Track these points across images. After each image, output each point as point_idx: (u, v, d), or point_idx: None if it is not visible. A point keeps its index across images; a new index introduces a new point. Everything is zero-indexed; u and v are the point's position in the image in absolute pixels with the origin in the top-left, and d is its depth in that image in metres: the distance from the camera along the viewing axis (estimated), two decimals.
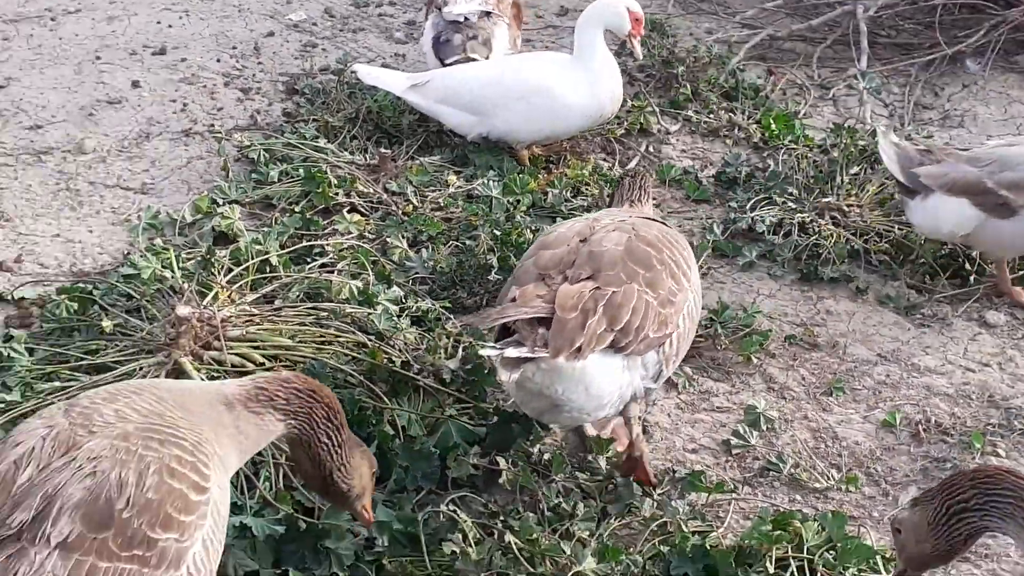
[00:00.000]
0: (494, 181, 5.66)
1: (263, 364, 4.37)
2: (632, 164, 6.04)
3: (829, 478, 4.19)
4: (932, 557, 3.14)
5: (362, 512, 3.48)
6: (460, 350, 4.52)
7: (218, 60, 6.90)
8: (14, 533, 2.76)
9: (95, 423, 2.91)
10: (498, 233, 5.15)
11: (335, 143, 5.97)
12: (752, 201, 5.66)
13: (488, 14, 6.26)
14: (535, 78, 5.80)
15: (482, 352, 3.53)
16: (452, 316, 4.79)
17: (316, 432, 3.24)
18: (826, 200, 5.63)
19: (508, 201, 5.53)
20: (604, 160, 6.06)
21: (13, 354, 4.40)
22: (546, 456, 4.11)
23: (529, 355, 3.52)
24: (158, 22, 7.20)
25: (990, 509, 2.93)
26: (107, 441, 2.85)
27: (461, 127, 5.95)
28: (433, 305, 4.81)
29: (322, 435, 3.25)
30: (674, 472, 4.15)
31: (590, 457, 4.14)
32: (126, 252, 5.16)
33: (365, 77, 6.08)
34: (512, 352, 3.51)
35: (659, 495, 4.02)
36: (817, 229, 5.43)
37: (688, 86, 6.66)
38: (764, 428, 4.39)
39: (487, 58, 6.16)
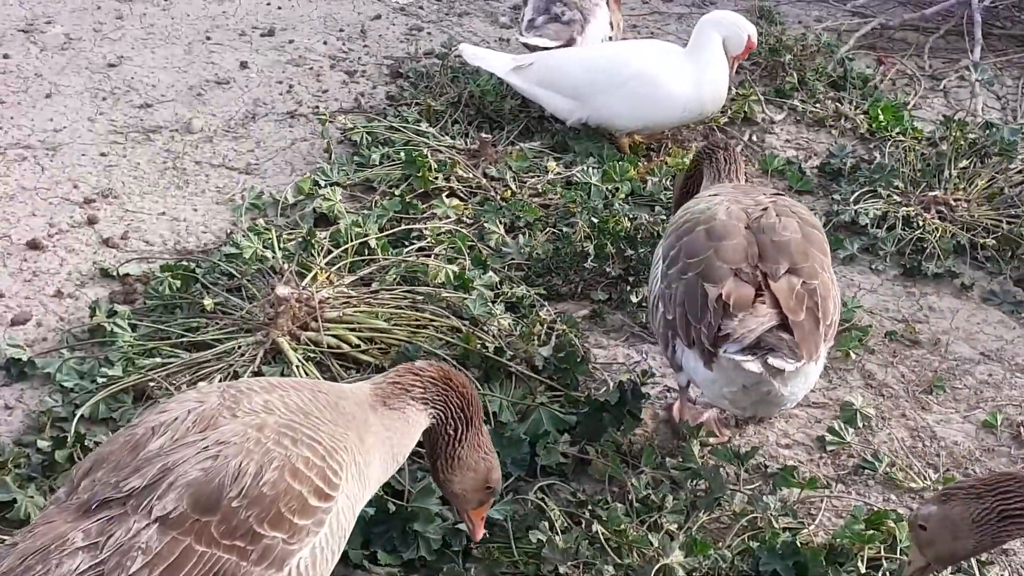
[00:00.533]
0: (593, 168, 5.64)
1: (358, 346, 4.42)
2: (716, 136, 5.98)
3: (925, 478, 4.10)
4: (968, 553, 3.20)
5: (467, 520, 3.47)
6: (553, 338, 4.52)
7: (325, 42, 6.97)
8: (122, 497, 2.81)
9: (241, 408, 2.94)
10: (596, 221, 5.13)
11: (437, 127, 5.99)
12: (856, 193, 5.56)
13: None
14: (640, 65, 5.75)
15: (748, 367, 3.47)
16: (546, 303, 4.80)
17: (447, 421, 3.24)
18: (933, 194, 5.51)
19: (607, 188, 5.50)
20: (721, 138, 5.98)
21: (117, 329, 4.50)
22: (636, 446, 4.10)
23: (795, 363, 3.49)
24: (268, 3, 7.30)
25: None
26: (241, 428, 2.87)
27: (561, 112, 5.94)
28: (528, 291, 4.82)
29: (449, 426, 3.26)
30: (766, 467, 4.10)
31: (682, 443, 4.11)
32: (229, 231, 5.25)
33: (470, 58, 6.09)
34: (779, 363, 3.47)
35: (750, 490, 3.97)
36: (922, 223, 5.31)
37: (795, 74, 6.56)
38: (860, 425, 4.31)
39: (569, 42, 6.12)
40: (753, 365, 3.46)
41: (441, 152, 5.76)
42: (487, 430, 3.38)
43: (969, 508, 3.05)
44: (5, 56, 6.47)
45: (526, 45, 6.11)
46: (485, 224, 5.26)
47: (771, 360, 3.46)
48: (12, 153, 5.72)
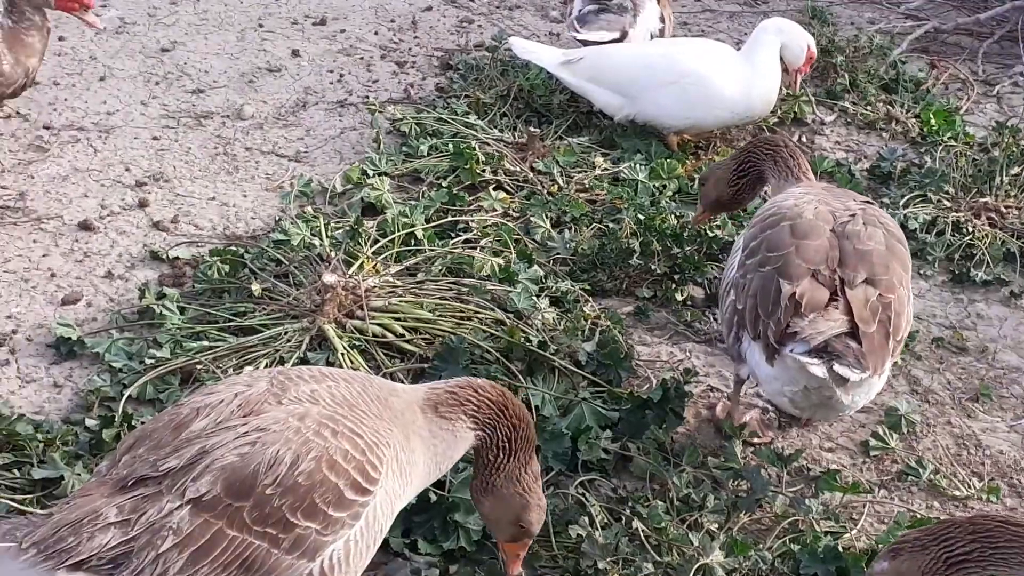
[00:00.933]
0: (641, 165, 5.63)
1: (403, 336, 4.44)
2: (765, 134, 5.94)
3: (970, 486, 4.07)
4: None
5: (500, 550, 3.43)
6: (597, 333, 4.53)
7: (376, 32, 7.00)
8: (159, 476, 2.84)
9: (287, 396, 2.95)
10: (642, 217, 5.12)
11: (485, 120, 6.00)
12: (906, 198, 5.53)
13: None
14: (691, 64, 5.74)
15: (812, 370, 3.45)
16: (591, 299, 4.81)
17: (490, 446, 3.21)
18: (983, 200, 5.47)
19: (654, 186, 5.50)
20: (779, 134, 5.96)
21: (165, 312, 4.55)
22: (678, 445, 4.10)
23: (860, 374, 3.47)
24: None
25: (995, 560, 2.96)
26: (283, 416, 2.88)
27: (610, 107, 5.93)
28: (573, 286, 4.82)
29: (492, 452, 3.23)
30: (808, 470, 4.09)
31: (725, 443, 4.11)
32: (277, 218, 5.29)
33: (519, 51, 6.10)
34: (844, 371, 3.45)
35: (792, 492, 3.96)
36: (972, 229, 5.27)
37: (846, 76, 6.52)
38: (905, 431, 4.29)
39: (622, 36, 6.10)
40: (818, 369, 3.45)
41: (489, 145, 5.77)
42: (536, 468, 3.30)
43: (916, 561, 3.01)
44: (60, 39, 6.54)
45: (583, 42, 6.09)
46: (531, 218, 5.26)
47: (836, 367, 3.44)
48: (66, 135, 5.79)
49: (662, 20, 6.32)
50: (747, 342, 3.74)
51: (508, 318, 4.52)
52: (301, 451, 2.84)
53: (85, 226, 5.15)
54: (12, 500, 3.65)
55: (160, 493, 2.81)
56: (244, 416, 2.92)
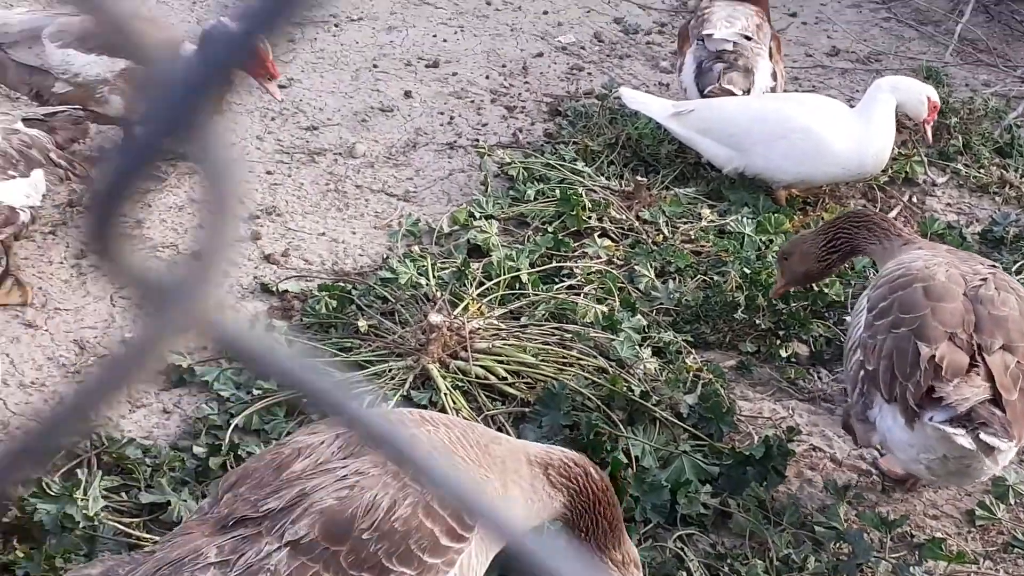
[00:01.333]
0: (748, 218, 5.62)
1: (505, 378, 4.47)
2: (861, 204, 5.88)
3: None
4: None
5: None
6: (699, 386, 4.51)
7: (487, 77, 7.08)
8: (259, 517, 2.89)
9: None
10: (748, 271, 5.10)
11: (592, 167, 6.04)
12: (1018, 264, 5.43)
13: (748, 38, 6.22)
14: (803, 119, 5.72)
15: (958, 440, 3.41)
16: (693, 351, 4.79)
17: (574, 528, 3.22)
18: None
19: (761, 240, 5.47)
20: (864, 207, 5.91)
21: (275, 344, 4.63)
22: (778, 503, 4.06)
23: (1008, 443, 3.43)
24: (434, 36, 7.45)
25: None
26: (382, 461, 2.90)
27: (718, 160, 5.93)
28: (675, 337, 4.81)
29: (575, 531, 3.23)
30: (912, 536, 4.02)
31: (829, 502, 4.06)
32: (385, 256, 5.36)
33: (629, 101, 6.13)
34: (993, 440, 3.41)
35: (895, 558, 3.90)
36: None
37: (960, 138, 6.44)
38: (1012, 502, 4.20)
39: (747, 90, 6.12)
40: (964, 440, 3.39)
41: (596, 192, 5.80)
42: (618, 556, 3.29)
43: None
44: None
45: (710, 94, 6.08)
46: (636, 267, 5.27)
47: (984, 436, 3.39)
48: (183, 166, 5.94)
49: (774, 77, 6.31)
50: (879, 406, 3.69)
51: (611, 366, 4.52)
52: (398, 496, 2.86)
53: (198, 256, 5.26)
54: (119, 523, 3.73)
55: (260, 534, 2.85)
56: (344, 458, 2.95)
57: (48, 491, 3.72)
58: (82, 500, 3.70)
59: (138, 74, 5.32)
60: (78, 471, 3.88)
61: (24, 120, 4.94)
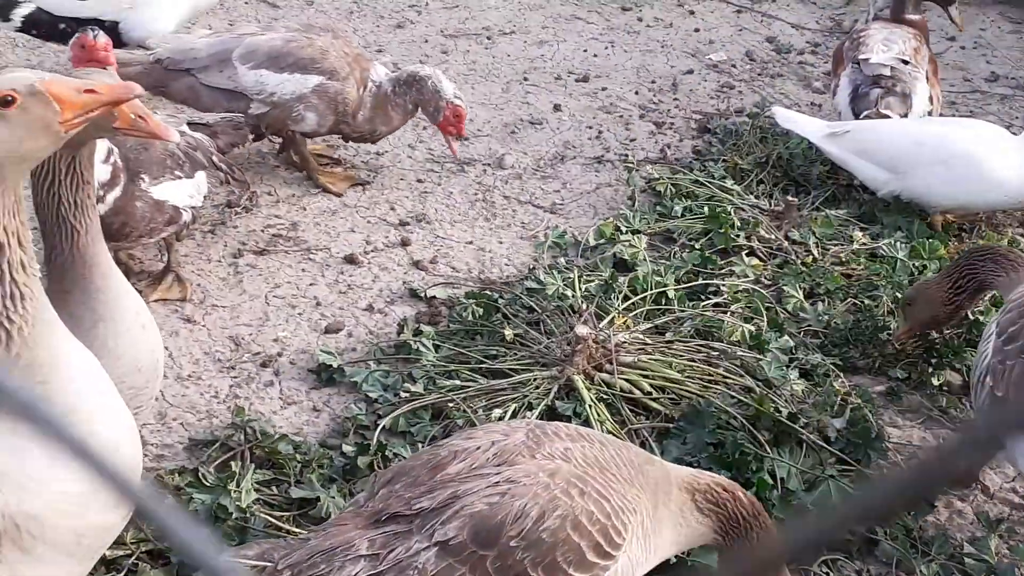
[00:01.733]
0: (901, 242, 5.51)
1: (650, 393, 4.46)
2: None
3: None
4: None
5: None
6: (847, 411, 4.43)
7: (636, 92, 7.09)
8: (411, 514, 2.94)
9: (541, 451, 3.01)
10: (900, 296, 5.00)
11: (741, 185, 5.99)
12: None
13: (905, 62, 6.11)
14: (964, 144, 5.58)
15: None
16: (841, 374, 4.71)
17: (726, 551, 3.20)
18: None
19: (914, 265, 5.36)
20: (1023, 236, 5.76)
21: (422, 348, 4.70)
22: (927, 533, 3.96)
23: None
24: (584, 50, 7.49)
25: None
26: (535, 470, 2.94)
27: (874, 182, 5.83)
28: (823, 360, 4.74)
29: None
30: None
31: (979, 534, 3.95)
32: (531, 267, 5.39)
33: (782, 120, 6.07)
34: None
35: None
36: None
37: None
38: None
39: (904, 115, 6.01)
40: None
41: (744, 211, 5.76)
42: None
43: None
44: None
45: (866, 118, 6.00)
46: (784, 287, 5.21)
47: None
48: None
49: (931, 101, 6.19)
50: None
51: (757, 386, 4.48)
52: (547, 507, 2.88)
53: (350, 259, 5.38)
54: (271, 516, 3.83)
55: (410, 532, 2.90)
56: (498, 465, 2.99)
57: (203, 482, 3.83)
58: (235, 492, 3.80)
59: (331, 89, 5.49)
60: (232, 463, 3.99)
61: (189, 124, 5.11)
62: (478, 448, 3.03)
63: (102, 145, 4.40)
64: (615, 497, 2.97)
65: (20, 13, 5.90)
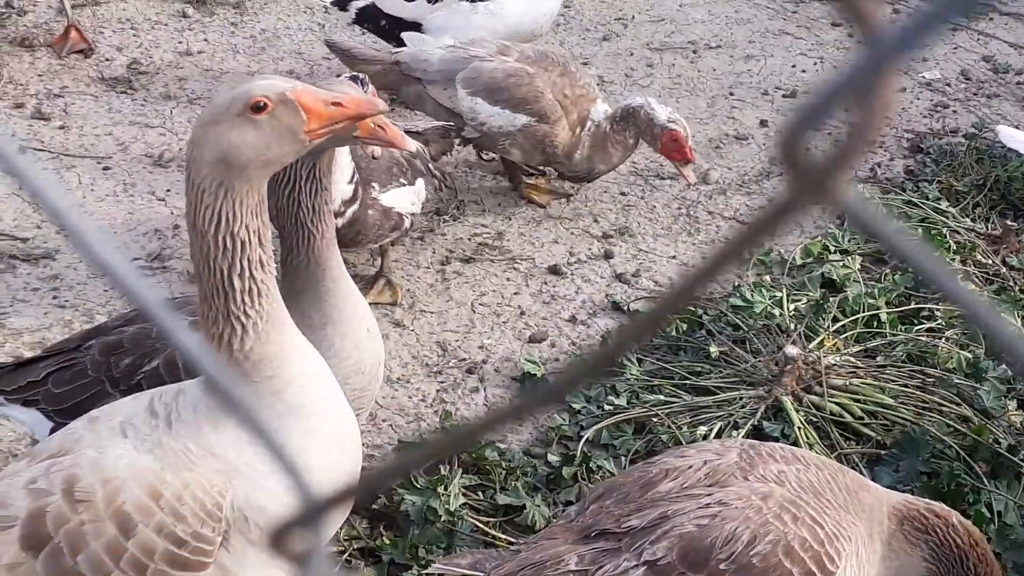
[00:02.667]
0: None
1: (861, 418, 4.35)
2: None
3: None
4: None
5: None
6: None
7: (845, 110, 6.92)
8: (620, 532, 2.93)
9: (754, 472, 2.97)
10: None
11: (956, 208, 5.80)
12: None
13: None
14: None
15: None
16: None
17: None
18: None
19: None
20: None
21: (626, 362, 4.69)
22: None
23: None
24: (792, 66, 7.37)
25: None
26: (747, 493, 2.90)
27: None
28: None
29: None
30: None
31: None
32: (735, 284, 5.33)
33: (1007, 140, 5.85)
34: None
35: None
36: None
37: None
38: None
39: None
40: None
41: (959, 233, 5.57)
42: None
43: None
44: None
45: None
46: (1002, 314, 5.01)
47: None
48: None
49: None
50: None
51: (975, 415, 4.32)
52: (759, 532, 2.83)
53: (554, 270, 5.41)
54: (477, 520, 3.87)
55: (619, 550, 2.89)
56: (709, 486, 2.95)
57: (415, 484, 3.90)
58: (444, 495, 3.86)
59: (538, 132, 5.48)
60: (440, 467, 4.06)
61: (405, 132, 5.21)
62: (690, 467, 3.00)
63: (347, 166, 4.54)
64: (829, 523, 2.90)
65: (356, 5, 6.34)
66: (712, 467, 2.99)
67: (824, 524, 2.88)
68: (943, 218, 5.68)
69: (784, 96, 7.05)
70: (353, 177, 4.62)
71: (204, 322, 2.61)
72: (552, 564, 2.91)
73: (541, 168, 6.08)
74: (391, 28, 6.17)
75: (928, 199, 5.84)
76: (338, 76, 4.93)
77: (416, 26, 6.12)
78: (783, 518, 2.85)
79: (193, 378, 2.79)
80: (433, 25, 6.14)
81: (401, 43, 5.93)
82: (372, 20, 6.26)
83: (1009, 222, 5.60)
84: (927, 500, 3.18)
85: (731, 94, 7.07)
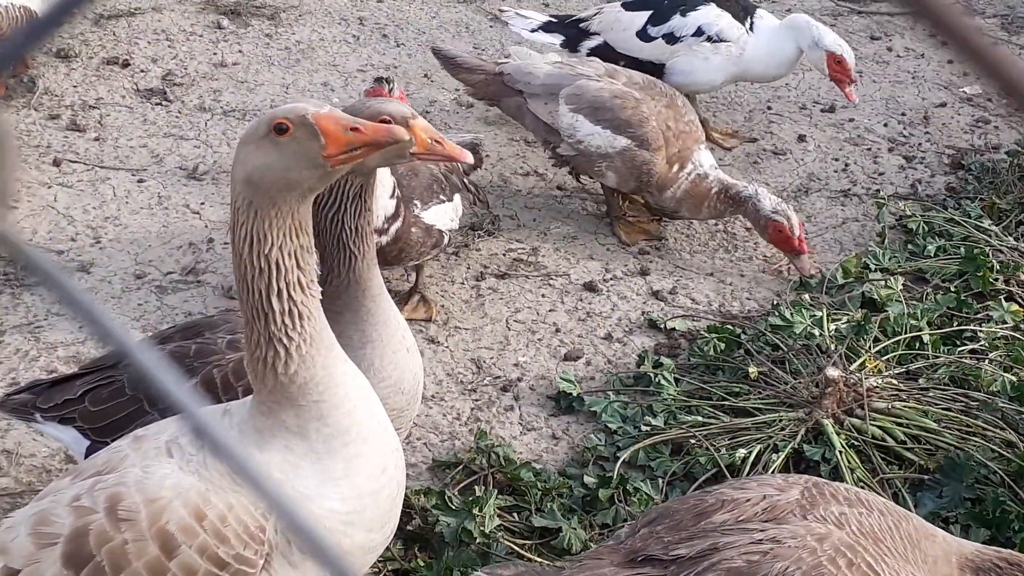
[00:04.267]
0: None
1: (904, 442, 4.27)
2: None
3: None
4: None
5: None
6: None
7: (885, 124, 6.85)
8: (667, 560, 2.86)
9: (814, 512, 2.88)
10: None
11: (999, 225, 5.71)
12: None
13: None
14: None
15: None
16: None
17: None
18: None
19: None
20: None
21: (662, 381, 4.62)
22: None
23: None
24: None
25: None
26: (803, 532, 2.81)
27: None
28: None
29: None
30: None
31: None
32: (774, 302, 5.26)
33: None
34: None
35: None
36: None
37: None
38: None
39: None
40: None
41: (1003, 252, 5.48)
42: None
43: None
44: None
45: None
46: None
47: None
48: (576, 197, 6.06)
49: None
50: None
51: (1021, 440, 4.24)
52: (810, 574, 2.75)
53: (590, 287, 5.35)
54: (513, 543, 3.82)
55: None
56: (765, 521, 2.87)
57: (450, 505, 3.85)
58: (479, 516, 3.81)
59: (638, 158, 5.42)
60: (476, 488, 4.01)
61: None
62: (748, 500, 2.92)
63: (388, 180, 4.51)
64: (887, 573, 2.80)
65: (588, 45, 6.26)
66: (771, 502, 2.90)
67: (881, 573, 2.78)
68: (986, 236, 5.59)
69: (822, 111, 6.97)
70: (395, 192, 4.58)
71: (249, 346, 2.58)
72: None
73: (642, 202, 5.93)
74: (631, 67, 5.97)
75: (970, 217, 5.75)
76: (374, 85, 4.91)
77: (657, 67, 6.11)
78: (838, 562, 2.75)
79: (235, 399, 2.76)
80: (676, 67, 6.13)
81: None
82: (604, 59, 6.07)
83: None
84: (998, 548, 3.07)
85: (769, 108, 7.00)
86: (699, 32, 6.08)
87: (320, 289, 2.64)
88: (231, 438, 2.58)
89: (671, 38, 6.10)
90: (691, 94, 6.23)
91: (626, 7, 6.26)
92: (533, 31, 6.31)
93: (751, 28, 6.12)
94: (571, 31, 6.31)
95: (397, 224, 4.60)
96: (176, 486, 2.56)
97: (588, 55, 6.18)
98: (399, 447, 2.84)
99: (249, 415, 2.62)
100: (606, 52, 6.18)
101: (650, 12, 6.17)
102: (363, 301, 3.08)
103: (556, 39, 6.31)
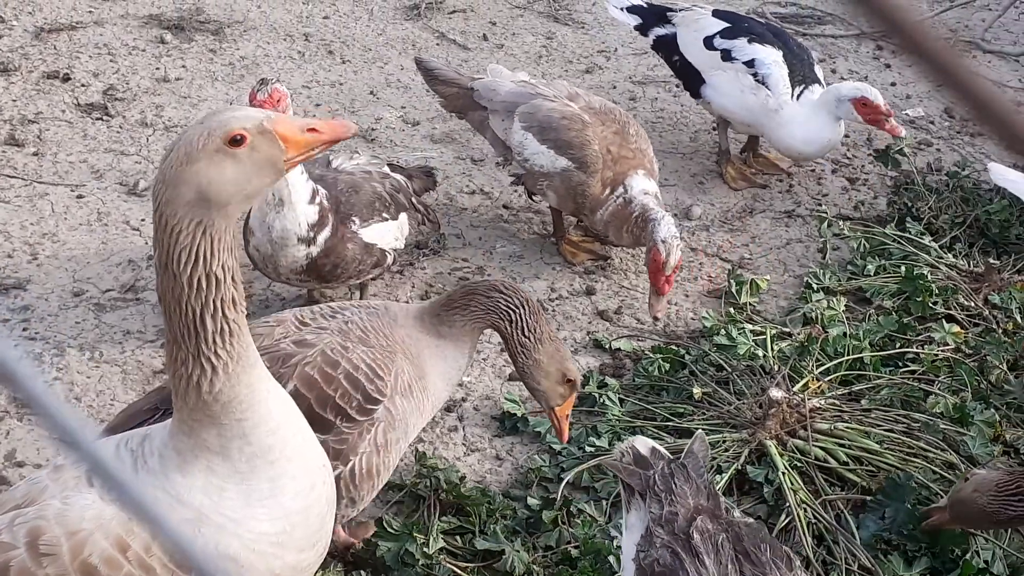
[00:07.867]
0: None
1: (846, 463, 4.29)
2: None
3: None
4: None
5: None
6: None
7: None
8: None
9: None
10: None
11: (938, 243, 5.76)
12: None
13: None
14: None
15: None
16: None
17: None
18: None
19: None
20: None
21: (607, 401, 4.61)
22: None
23: None
24: None
25: None
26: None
27: None
28: None
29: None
30: None
31: None
32: (718, 322, 5.26)
33: (998, 177, 5.79)
34: None
35: None
36: None
37: None
38: None
39: None
40: None
41: (940, 270, 5.52)
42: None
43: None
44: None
45: None
46: (987, 356, 4.96)
47: None
48: (523, 215, 6.05)
49: None
50: None
51: (962, 462, 4.26)
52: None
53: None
54: (456, 566, 3.78)
55: None
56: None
57: (388, 529, 3.80)
58: (421, 539, 3.77)
59: (574, 178, 5.35)
60: (420, 508, 3.96)
61: (389, 165, 5.15)
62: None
63: (306, 186, 4.46)
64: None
65: (657, 32, 6.44)
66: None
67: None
68: (925, 255, 5.63)
69: None
70: (315, 197, 4.51)
71: (172, 363, 2.54)
72: None
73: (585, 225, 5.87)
74: (682, 67, 6.32)
75: (912, 234, 5.79)
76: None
77: (698, 76, 6.23)
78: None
79: None
80: (712, 81, 6.20)
81: (689, 83, 6.32)
82: (667, 51, 6.29)
83: (991, 260, 5.56)
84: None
85: (714, 128, 7.02)
86: (751, 63, 6.11)
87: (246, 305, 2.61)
88: (130, 466, 2.53)
89: (727, 55, 6.17)
90: (722, 119, 6.38)
91: (714, 13, 6.39)
92: (621, 9, 6.53)
93: (798, 97, 6.05)
94: (652, 17, 6.46)
95: (325, 234, 4.54)
96: (97, 517, 2.50)
97: (654, 43, 6.43)
98: (327, 463, 2.80)
99: (169, 436, 2.58)
100: (669, 45, 6.36)
101: (727, 25, 6.26)
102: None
103: (633, 20, 6.50)
